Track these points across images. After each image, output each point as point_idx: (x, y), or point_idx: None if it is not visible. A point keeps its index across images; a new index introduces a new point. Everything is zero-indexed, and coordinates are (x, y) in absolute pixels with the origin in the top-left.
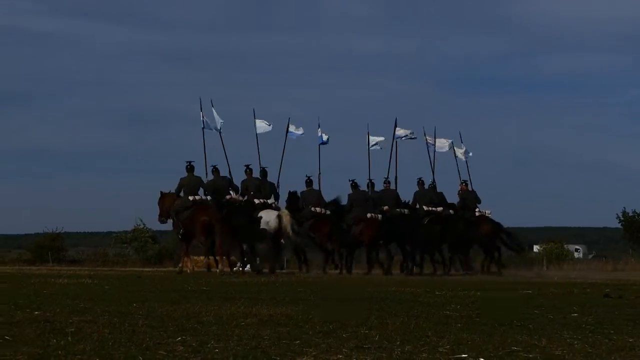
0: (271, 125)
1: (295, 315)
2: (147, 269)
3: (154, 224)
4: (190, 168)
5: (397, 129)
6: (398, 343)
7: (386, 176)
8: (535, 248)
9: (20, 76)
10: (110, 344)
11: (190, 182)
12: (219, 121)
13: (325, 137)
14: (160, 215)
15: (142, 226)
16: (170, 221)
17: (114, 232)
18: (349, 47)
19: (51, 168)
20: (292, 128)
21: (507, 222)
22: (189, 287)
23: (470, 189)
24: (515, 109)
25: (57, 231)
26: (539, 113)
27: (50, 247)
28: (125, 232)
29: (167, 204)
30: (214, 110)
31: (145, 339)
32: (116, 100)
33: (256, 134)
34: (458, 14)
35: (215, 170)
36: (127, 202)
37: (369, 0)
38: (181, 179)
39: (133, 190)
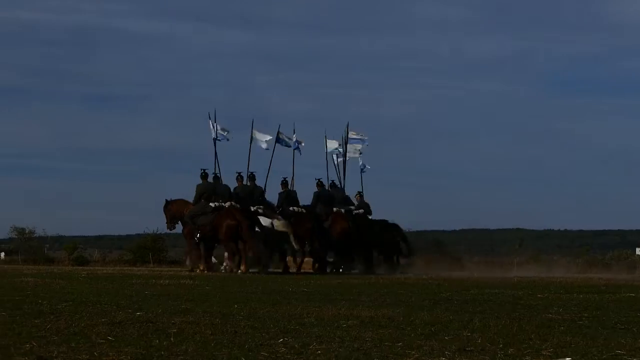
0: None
1: (396, 317)
2: (251, 271)
3: None
4: (204, 175)
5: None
6: (501, 346)
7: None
8: (638, 251)
9: (120, 78)
10: (212, 344)
11: (208, 189)
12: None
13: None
14: (170, 222)
15: None
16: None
17: None
18: (456, 49)
19: (153, 169)
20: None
21: (609, 225)
22: (290, 288)
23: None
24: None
25: (158, 232)
26: None
27: (151, 248)
28: None
29: (174, 211)
30: (213, 124)
31: (247, 340)
32: (218, 102)
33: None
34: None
35: (239, 177)
36: None
37: (471, 3)
38: (198, 186)
39: None
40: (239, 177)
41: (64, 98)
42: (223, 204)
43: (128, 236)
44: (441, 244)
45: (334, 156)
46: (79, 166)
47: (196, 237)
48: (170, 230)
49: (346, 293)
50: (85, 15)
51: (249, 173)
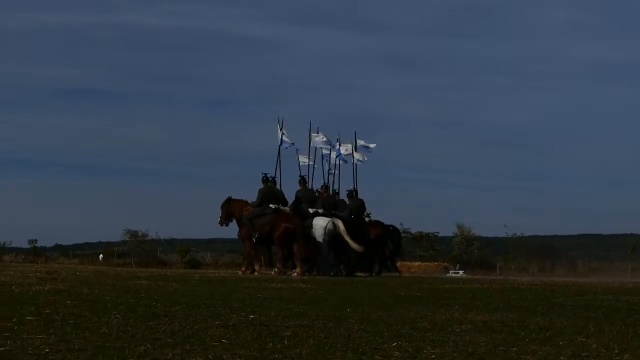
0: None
1: (510, 322)
2: (359, 274)
3: None
4: (266, 180)
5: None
6: (616, 352)
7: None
8: None
9: (239, 82)
10: (326, 348)
11: (269, 193)
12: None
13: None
14: (224, 219)
15: None
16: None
17: None
18: (573, 53)
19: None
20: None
21: None
22: (402, 292)
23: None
24: None
25: None
26: None
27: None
28: None
29: (232, 210)
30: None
31: (361, 344)
32: (333, 105)
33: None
34: None
35: (302, 180)
36: None
37: (600, 8)
38: (260, 190)
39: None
40: (302, 181)
41: (183, 102)
42: (282, 207)
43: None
44: (554, 249)
45: (340, 160)
46: (194, 169)
47: (254, 238)
48: (223, 226)
49: (459, 297)
50: (206, 21)
51: (301, 176)
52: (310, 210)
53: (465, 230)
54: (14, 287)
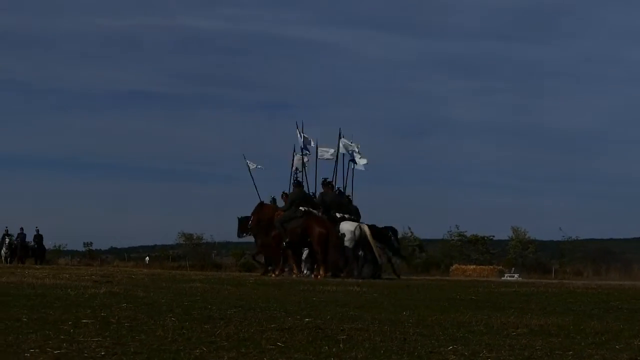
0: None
1: (566, 326)
2: (414, 278)
3: (423, 232)
4: (297, 183)
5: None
6: None
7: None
8: None
9: (295, 86)
10: (381, 351)
11: (300, 196)
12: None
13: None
14: (255, 223)
15: (409, 234)
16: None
17: None
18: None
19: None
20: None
21: None
22: (458, 295)
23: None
24: None
25: None
26: None
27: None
28: None
29: (264, 215)
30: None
31: (416, 347)
32: (391, 109)
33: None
34: None
35: (327, 183)
36: (396, 211)
37: None
38: (290, 193)
39: (402, 199)
40: (328, 184)
41: (239, 105)
42: (312, 210)
43: None
44: (610, 252)
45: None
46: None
47: (285, 241)
48: (250, 231)
49: (515, 301)
50: (263, 24)
51: (324, 179)
52: (337, 215)
53: (521, 233)
54: (69, 290)
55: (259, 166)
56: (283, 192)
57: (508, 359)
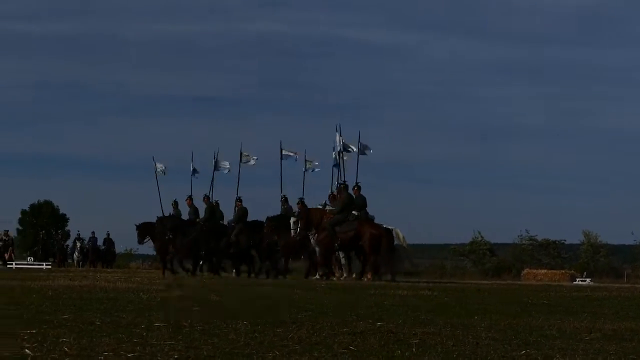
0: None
1: None
2: (485, 282)
3: (494, 236)
4: (346, 187)
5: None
6: None
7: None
8: None
9: (355, 88)
10: (454, 356)
11: (351, 200)
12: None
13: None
14: (305, 229)
15: (480, 239)
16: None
17: (452, 245)
18: None
19: (389, 180)
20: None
21: None
22: (530, 300)
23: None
24: None
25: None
26: None
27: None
28: (463, 244)
29: (312, 218)
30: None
31: (489, 352)
32: (456, 113)
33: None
34: None
35: (357, 187)
36: (466, 215)
37: None
38: (340, 197)
39: (472, 203)
40: (357, 188)
41: (297, 107)
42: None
43: None
44: None
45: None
46: None
47: (336, 244)
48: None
49: (587, 305)
50: (322, 27)
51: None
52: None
53: (592, 237)
54: (141, 293)
55: (227, 167)
56: (331, 193)
57: None
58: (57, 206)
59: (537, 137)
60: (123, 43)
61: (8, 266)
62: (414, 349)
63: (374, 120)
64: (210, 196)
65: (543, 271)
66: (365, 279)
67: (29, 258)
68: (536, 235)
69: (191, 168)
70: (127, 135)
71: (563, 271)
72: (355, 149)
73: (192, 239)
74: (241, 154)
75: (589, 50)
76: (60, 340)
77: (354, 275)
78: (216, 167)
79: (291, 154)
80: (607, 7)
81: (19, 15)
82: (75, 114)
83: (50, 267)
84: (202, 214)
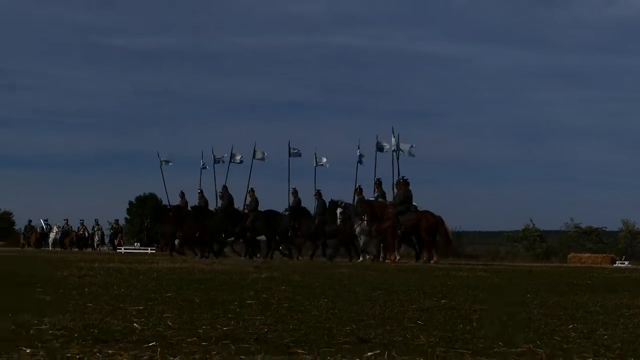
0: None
1: None
2: (536, 264)
3: (543, 224)
4: (405, 182)
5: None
6: None
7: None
8: None
9: (424, 95)
10: (510, 330)
11: (409, 194)
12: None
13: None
14: (368, 217)
15: (531, 226)
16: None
17: (506, 232)
18: None
19: (460, 176)
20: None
21: None
22: (575, 280)
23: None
24: None
25: (457, 230)
26: None
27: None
28: (516, 231)
29: (376, 210)
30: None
31: (541, 326)
32: (508, 116)
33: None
34: None
35: (404, 181)
36: (519, 205)
37: None
38: (400, 191)
39: (525, 195)
40: (403, 182)
41: (368, 114)
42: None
43: None
44: None
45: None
46: None
47: (399, 232)
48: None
49: (626, 285)
50: (396, 41)
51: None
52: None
53: (630, 225)
54: (234, 274)
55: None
56: (378, 179)
57: (622, 336)
58: (160, 198)
59: (582, 136)
60: (209, 55)
61: (117, 250)
62: (474, 324)
63: (437, 123)
64: (227, 186)
65: (587, 255)
66: (432, 262)
67: (135, 244)
68: (580, 223)
69: (227, 160)
70: (207, 135)
71: (604, 255)
72: (406, 149)
73: (214, 224)
74: (254, 150)
75: (626, 59)
76: (164, 315)
77: (369, 257)
78: (232, 159)
79: (296, 150)
80: None
81: (119, 31)
82: (168, 116)
83: (154, 251)
84: (211, 204)
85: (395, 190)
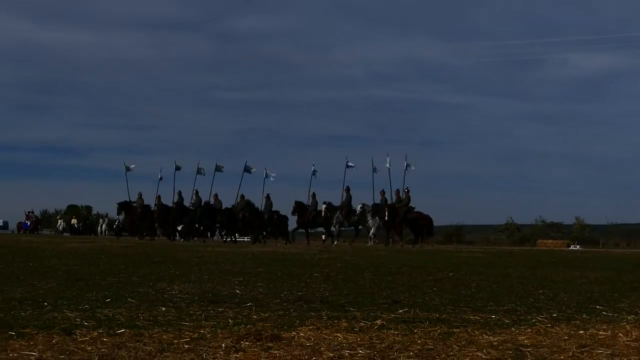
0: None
1: (610, 277)
2: (515, 248)
3: (519, 219)
4: (408, 191)
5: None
6: None
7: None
8: None
9: (441, 133)
10: (498, 294)
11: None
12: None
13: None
14: (390, 216)
15: (511, 221)
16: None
17: (493, 225)
18: None
19: (462, 186)
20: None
21: None
22: (542, 259)
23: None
24: None
25: (459, 223)
26: None
27: (454, 233)
28: (500, 224)
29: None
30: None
31: (519, 291)
32: (497, 144)
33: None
34: None
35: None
36: (502, 206)
37: None
38: (407, 196)
39: (506, 199)
40: (408, 190)
41: (401, 145)
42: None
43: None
44: None
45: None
46: None
47: (405, 224)
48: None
49: (578, 262)
50: (419, 94)
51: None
52: None
53: (580, 220)
54: (305, 255)
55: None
56: (382, 190)
57: (577, 298)
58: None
59: (548, 158)
60: (287, 103)
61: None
62: (473, 289)
63: (449, 149)
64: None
65: (550, 241)
66: (419, 246)
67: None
68: (546, 219)
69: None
70: (296, 159)
71: (562, 241)
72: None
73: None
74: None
75: (581, 105)
76: (257, 284)
77: (343, 241)
78: (246, 170)
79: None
80: None
81: (232, 88)
82: (270, 147)
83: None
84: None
85: (401, 196)
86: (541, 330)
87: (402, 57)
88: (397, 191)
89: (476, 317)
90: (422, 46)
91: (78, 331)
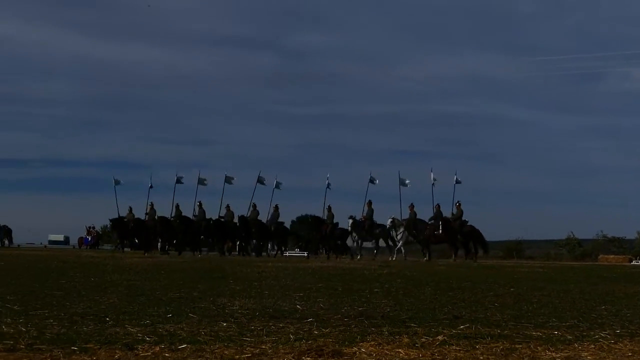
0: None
1: None
2: (576, 263)
3: (581, 234)
4: (438, 206)
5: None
6: None
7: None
8: None
9: (496, 146)
10: (560, 309)
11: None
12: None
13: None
14: (445, 230)
15: (572, 236)
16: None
17: (554, 240)
18: None
19: (521, 201)
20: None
21: None
22: (604, 274)
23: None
24: None
25: (519, 239)
26: None
27: (515, 248)
28: (561, 239)
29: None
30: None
31: (581, 307)
32: (555, 160)
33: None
34: None
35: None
36: (563, 221)
37: None
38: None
39: (568, 214)
40: (459, 204)
41: (458, 159)
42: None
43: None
44: None
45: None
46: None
47: (459, 237)
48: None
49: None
50: (478, 108)
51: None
52: None
53: None
54: (365, 271)
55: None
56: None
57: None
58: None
59: (609, 173)
60: (345, 117)
61: (284, 255)
62: (535, 305)
63: (509, 163)
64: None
65: (612, 256)
66: (473, 260)
67: (296, 249)
68: (607, 234)
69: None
70: (345, 171)
71: (624, 256)
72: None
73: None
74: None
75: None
76: (318, 299)
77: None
78: (260, 181)
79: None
80: None
81: (292, 103)
82: (318, 161)
83: (307, 255)
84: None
85: (441, 210)
86: (604, 347)
87: (462, 72)
88: (438, 205)
89: (538, 333)
90: (482, 61)
91: (140, 346)
